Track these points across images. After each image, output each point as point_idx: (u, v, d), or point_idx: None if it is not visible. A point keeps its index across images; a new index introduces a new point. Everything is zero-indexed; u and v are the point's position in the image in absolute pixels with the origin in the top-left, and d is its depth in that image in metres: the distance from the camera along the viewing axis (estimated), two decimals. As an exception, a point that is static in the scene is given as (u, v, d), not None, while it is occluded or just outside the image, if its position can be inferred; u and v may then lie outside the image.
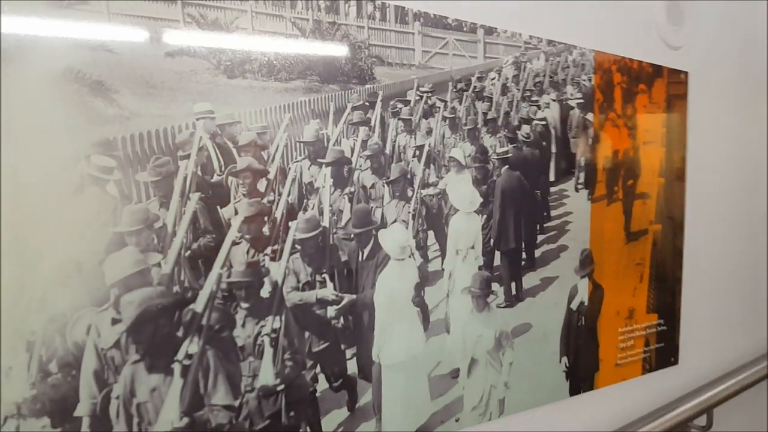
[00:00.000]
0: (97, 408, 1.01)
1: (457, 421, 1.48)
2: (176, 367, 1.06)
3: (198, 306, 1.09)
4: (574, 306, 1.74)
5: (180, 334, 1.07)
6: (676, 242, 2.09)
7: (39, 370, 0.95)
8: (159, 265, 1.06)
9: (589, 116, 1.77)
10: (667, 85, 2.03)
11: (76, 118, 0.97)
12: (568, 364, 1.73)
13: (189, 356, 1.08)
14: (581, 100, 1.75)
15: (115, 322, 1.02)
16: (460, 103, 1.48)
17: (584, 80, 1.75)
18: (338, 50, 1.27)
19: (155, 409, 1.05)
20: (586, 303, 1.77)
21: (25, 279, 0.94)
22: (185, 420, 1.07)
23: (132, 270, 1.02)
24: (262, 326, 1.17)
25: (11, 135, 0.91)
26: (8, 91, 0.91)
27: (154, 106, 1.04)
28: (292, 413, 1.21)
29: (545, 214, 1.68)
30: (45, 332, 0.95)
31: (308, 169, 1.24)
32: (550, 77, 1.67)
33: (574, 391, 1.76)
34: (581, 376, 1.78)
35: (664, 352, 2.07)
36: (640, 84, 1.93)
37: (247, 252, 1.16)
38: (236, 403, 1.14)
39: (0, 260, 0.91)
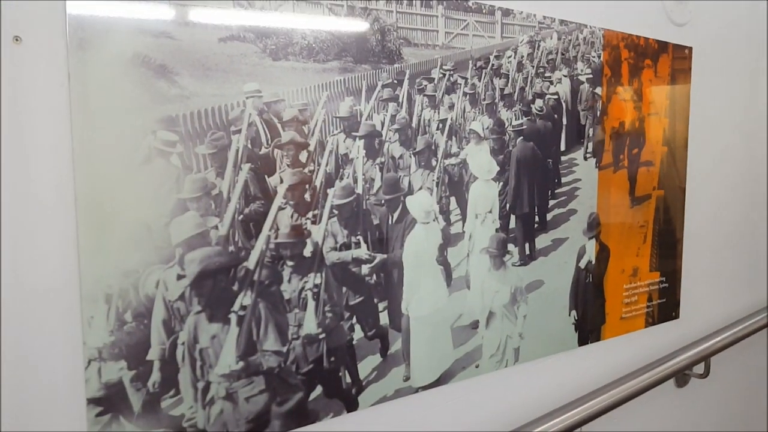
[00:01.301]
0: (166, 353, 1.09)
1: (477, 367, 1.56)
2: (233, 317, 1.15)
3: (250, 264, 1.17)
4: (582, 264, 1.80)
5: (235, 288, 1.15)
6: (677, 206, 2.13)
7: (116, 320, 1.03)
8: (216, 227, 1.13)
9: (598, 90, 1.81)
10: (672, 60, 2.05)
11: (144, 97, 1.04)
12: (576, 317, 1.80)
13: (243, 308, 1.16)
14: (590, 76, 1.78)
15: (180, 277, 1.09)
16: (479, 80, 1.52)
17: (594, 57, 1.78)
18: (370, 33, 1.32)
19: (215, 353, 1.14)
20: (593, 262, 1.83)
21: (102, 239, 1.01)
22: (241, 363, 1.16)
23: (194, 232, 1.10)
24: (306, 282, 1.25)
25: (89, 112, 0.99)
26: (86, 73, 0.98)
27: (210, 86, 1.10)
28: (332, 358, 1.30)
29: (556, 181, 1.73)
30: (121, 286, 1.03)
31: (343, 141, 1.30)
32: (562, 54, 1.71)
33: (582, 341, 1.83)
34: (589, 328, 1.84)
35: (665, 307, 2.13)
36: (646, 59, 1.95)
37: (291, 216, 1.23)
38: (284, 349, 1.22)
39: (78, 223, 0.99)
